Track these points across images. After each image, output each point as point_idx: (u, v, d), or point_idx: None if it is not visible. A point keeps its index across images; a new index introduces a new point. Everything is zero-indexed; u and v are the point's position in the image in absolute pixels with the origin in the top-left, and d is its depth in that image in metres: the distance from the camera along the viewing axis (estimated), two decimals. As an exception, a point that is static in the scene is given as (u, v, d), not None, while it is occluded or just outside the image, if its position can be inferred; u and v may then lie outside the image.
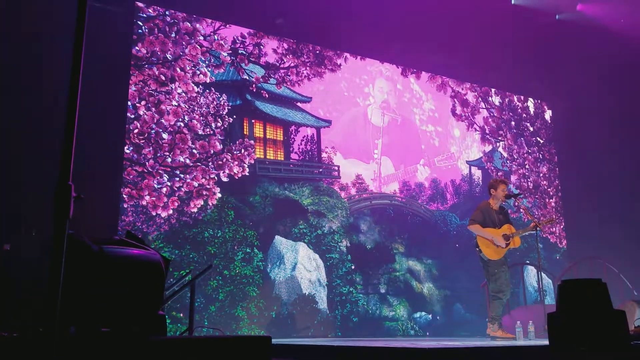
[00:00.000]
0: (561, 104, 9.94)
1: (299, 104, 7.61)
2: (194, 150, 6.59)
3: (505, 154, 9.44)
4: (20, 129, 5.39)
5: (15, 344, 1.99)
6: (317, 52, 7.85)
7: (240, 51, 7.21)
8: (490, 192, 6.25)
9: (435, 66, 8.76)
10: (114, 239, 2.67)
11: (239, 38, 7.23)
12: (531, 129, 9.82)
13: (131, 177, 6.15)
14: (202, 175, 6.59)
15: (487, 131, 9.34)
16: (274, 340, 2.57)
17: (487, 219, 6.07)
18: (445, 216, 8.52)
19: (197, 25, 6.91)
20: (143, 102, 6.37)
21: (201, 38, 6.90)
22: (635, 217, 8.35)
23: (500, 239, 5.96)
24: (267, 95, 7.32)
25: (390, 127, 8.45)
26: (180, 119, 6.56)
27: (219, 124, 6.82)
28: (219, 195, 6.67)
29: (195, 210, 6.49)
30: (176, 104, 6.57)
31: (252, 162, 6.99)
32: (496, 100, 9.52)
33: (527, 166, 9.61)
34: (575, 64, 8.57)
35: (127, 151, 6.18)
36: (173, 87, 6.59)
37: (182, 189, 6.44)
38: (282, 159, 7.34)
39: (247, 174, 6.92)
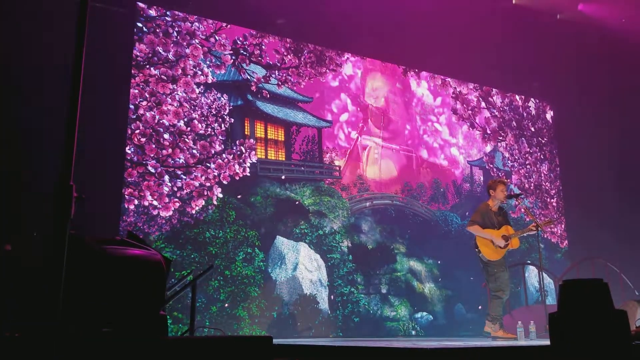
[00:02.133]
0: (562, 104, 9.93)
1: (300, 104, 7.61)
2: (195, 151, 6.60)
3: (506, 154, 9.43)
4: (22, 129, 5.39)
5: (17, 344, 1.99)
6: (318, 52, 7.85)
7: (241, 51, 7.21)
8: (489, 192, 6.26)
9: (436, 66, 8.76)
10: (115, 239, 2.67)
11: (240, 38, 7.23)
12: (532, 129, 9.82)
13: (132, 177, 6.16)
14: (203, 175, 6.60)
15: (488, 131, 9.33)
16: (275, 341, 2.57)
17: (486, 220, 6.10)
18: (447, 216, 8.52)
19: (198, 26, 6.91)
20: (144, 103, 6.37)
21: (202, 38, 6.91)
22: (636, 216, 8.33)
23: (500, 239, 5.98)
24: (268, 96, 7.32)
25: (391, 126, 8.44)
26: (181, 119, 6.56)
27: (220, 124, 6.83)
28: (220, 195, 6.67)
29: (196, 210, 6.49)
30: (177, 105, 6.57)
31: (254, 162, 6.99)
32: (497, 100, 9.51)
33: (528, 166, 9.60)
34: (577, 63, 8.56)
35: (129, 151, 6.18)
36: (174, 88, 6.59)
37: (183, 190, 6.44)
38: (283, 159, 7.34)
39: (248, 174, 6.92)
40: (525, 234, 6.28)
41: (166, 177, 6.36)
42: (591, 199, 8.90)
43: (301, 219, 7.21)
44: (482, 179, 9.11)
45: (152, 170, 6.28)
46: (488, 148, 9.28)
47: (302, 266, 7.01)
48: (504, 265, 6.07)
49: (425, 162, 8.60)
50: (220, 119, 6.84)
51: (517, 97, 9.77)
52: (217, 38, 7.03)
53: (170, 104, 6.52)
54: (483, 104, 9.35)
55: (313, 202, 7.36)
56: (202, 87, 6.79)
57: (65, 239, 1.74)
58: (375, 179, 8.07)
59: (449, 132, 8.97)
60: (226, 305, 6.39)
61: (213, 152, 6.72)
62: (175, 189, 6.40)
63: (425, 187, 8.47)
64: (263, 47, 7.39)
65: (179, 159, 6.47)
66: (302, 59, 7.68)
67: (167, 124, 6.46)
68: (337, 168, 7.74)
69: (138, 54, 6.45)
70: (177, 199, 6.38)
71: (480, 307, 8.08)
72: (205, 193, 6.58)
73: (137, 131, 6.27)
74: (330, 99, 7.91)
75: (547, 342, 3.45)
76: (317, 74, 7.77)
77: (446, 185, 8.70)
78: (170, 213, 6.32)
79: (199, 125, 6.67)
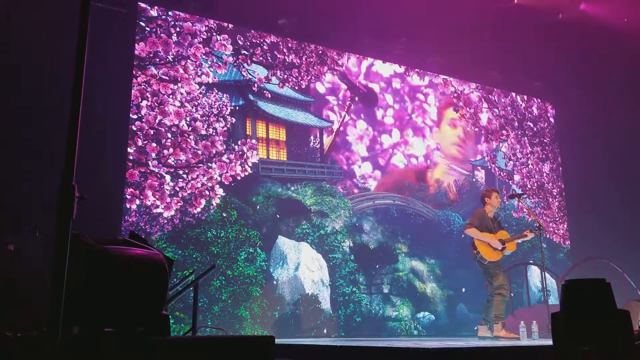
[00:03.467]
0: (564, 104, 9.91)
1: (301, 103, 7.61)
2: (197, 151, 6.60)
3: (508, 154, 9.42)
4: (24, 128, 5.40)
5: (19, 344, 1.99)
6: (320, 51, 7.84)
7: (242, 51, 7.21)
8: (484, 201, 6.46)
9: (438, 65, 8.74)
10: (117, 239, 2.67)
11: (241, 38, 7.23)
12: (534, 128, 9.80)
13: (134, 177, 6.16)
14: (205, 175, 6.60)
15: (491, 131, 9.32)
16: (277, 341, 2.56)
17: (483, 224, 6.22)
18: (448, 216, 8.51)
19: (200, 26, 6.91)
20: (146, 103, 6.38)
21: (204, 38, 6.90)
22: (639, 216, 8.31)
23: (497, 242, 6.10)
24: (269, 96, 7.32)
25: (393, 126, 8.43)
26: (183, 120, 6.56)
27: (221, 124, 6.83)
28: (222, 195, 6.67)
29: (198, 210, 6.49)
30: (179, 105, 6.57)
31: (255, 162, 6.99)
32: (499, 99, 9.49)
33: (530, 166, 9.58)
34: (579, 63, 8.54)
35: (130, 151, 6.19)
36: (176, 88, 6.59)
37: (185, 190, 6.44)
38: (285, 159, 7.34)
39: (250, 174, 6.92)
40: (520, 240, 6.38)
41: (168, 177, 6.36)
42: (594, 199, 8.88)
43: (303, 219, 7.21)
44: (484, 178, 9.10)
45: (154, 170, 6.29)
46: (490, 148, 9.26)
47: (304, 266, 7.00)
48: (501, 266, 6.24)
49: (428, 162, 8.57)
50: (221, 119, 6.84)
51: (519, 97, 9.75)
52: (218, 38, 7.02)
53: (171, 104, 6.52)
54: (485, 104, 9.33)
55: (315, 201, 7.35)
56: (203, 87, 6.79)
57: (67, 239, 1.74)
58: (377, 178, 8.06)
59: (451, 131, 8.94)
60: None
61: (215, 152, 6.72)
62: (177, 188, 6.40)
63: (427, 187, 8.45)
64: (264, 47, 7.39)
65: (181, 159, 6.47)
66: (304, 59, 7.68)
67: (168, 124, 6.46)
68: (339, 168, 7.73)
69: (139, 54, 6.45)
70: (178, 199, 6.38)
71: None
72: (207, 193, 6.58)
73: (139, 131, 6.27)
74: (331, 98, 7.89)
75: (550, 342, 3.45)
76: (318, 74, 7.77)
77: (448, 184, 8.68)
78: (172, 213, 6.32)
79: (201, 125, 6.67)
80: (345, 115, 8.01)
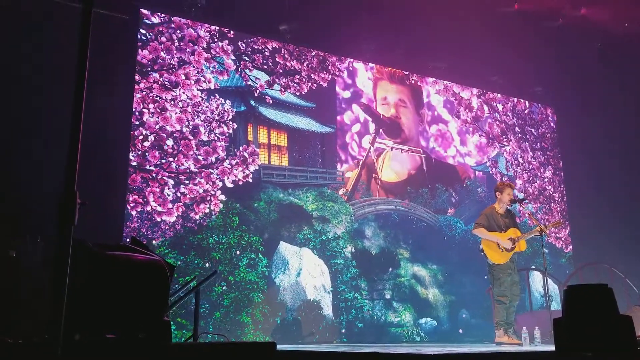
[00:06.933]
0: (566, 109, 9.91)
1: (302, 109, 7.62)
2: (199, 156, 6.60)
3: (510, 159, 9.41)
4: (26, 134, 5.41)
5: (20, 351, 1.99)
6: (321, 57, 7.86)
7: (244, 57, 7.23)
8: (495, 195, 6.25)
9: (439, 71, 8.76)
10: (119, 245, 2.67)
11: (243, 44, 7.25)
12: (536, 134, 9.80)
13: (136, 183, 6.17)
14: (207, 181, 6.60)
15: (492, 136, 9.32)
16: (278, 347, 2.56)
17: (492, 223, 6.05)
18: (450, 221, 8.49)
19: (201, 32, 6.93)
20: (148, 109, 6.39)
21: (205, 44, 6.93)
22: (641, 221, 8.30)
23: (506, 241, 5.93)
24: (271, 101, 7.33)
25: (393, 131, 8.43)
26: (184, 125, 6.57)
27: (223, 130, 6.84)
28: (224, 200, 6.68)
29: (199, 216, 6.49)
30: (180, 111, 6.58)
31: (257, 167, 7.00)
32: (500, 105, 9.50)
33: (532, 171, 9.58)
34: (580, 68, 8.55)
35: (132, 157, 6.20)
36: (177, 94, 6.61)
37: (187, 195, 6.44)
38: (287, 164, 7.35)
39: (251, 179, 6.92)
40: (532, 236, 6.18)
41: (170, 183, 6.36)
42: (595, 204, 8.87)
43: (304, 225, 7.20)
44: (485, 184, 9.10)
45: (156, 176, 6.29)
46: (492, 153, 9.26)
47: (306, 272, 6.99)
48: (512, 269, 5.97)
49: (427, 166, 8.58)
50: (223, 125, 6.85)
51: (520, 102, 9.76)
52: (220, 44, 7.04)
53: (173, 110, 6.54)
54: (486, 109, 9.34)
55: (316, 207, 7.35)
56: (205, 93, 6.81)
57: (69, 246, 1.75)
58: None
59: (452, 136, 8.95)
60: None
61: (216, 157, 6.73)
62: (179, 194, 6.40)
63: (428, 192, 8.44)
64: (266, 52, 7.41)
65: (183, 165, 6.48)
66: (305, 65, 7.70)
67: (170, 129, 6.48)
68: (341, 173, 7.74)
69: (141, 60, 6.47)
70: (180, 205, 6.38)
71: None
72: (209, 199, 6.59)
73: (141, 137, 6.29)
74: (332, 103, 7.91)
75: (552, 347, 3.44)
76: (319, 79, 7.78)
77: (449, 189, 8.67)
78: (174, 219, 6.32)
79: (202, 131, 6.68)
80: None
